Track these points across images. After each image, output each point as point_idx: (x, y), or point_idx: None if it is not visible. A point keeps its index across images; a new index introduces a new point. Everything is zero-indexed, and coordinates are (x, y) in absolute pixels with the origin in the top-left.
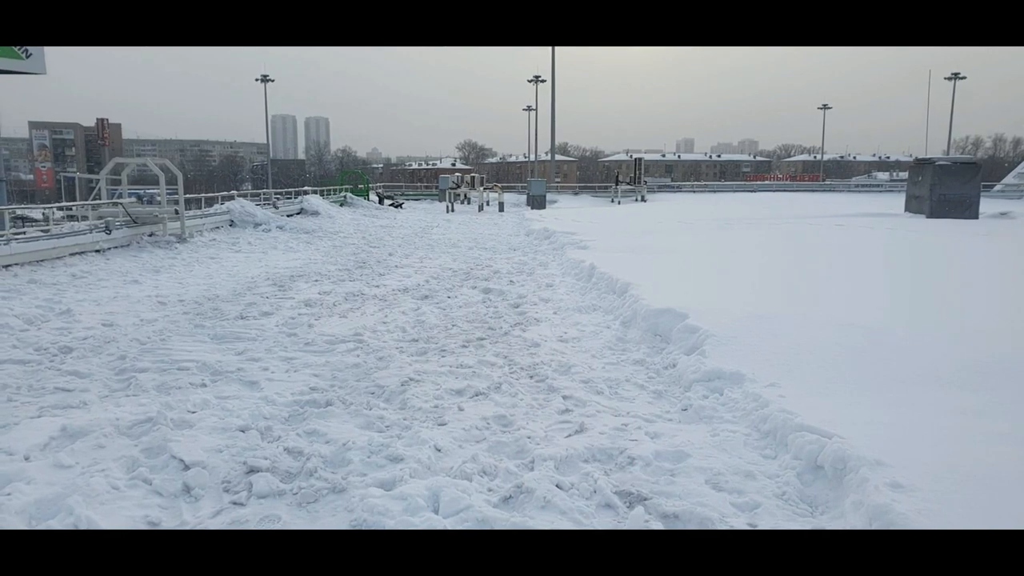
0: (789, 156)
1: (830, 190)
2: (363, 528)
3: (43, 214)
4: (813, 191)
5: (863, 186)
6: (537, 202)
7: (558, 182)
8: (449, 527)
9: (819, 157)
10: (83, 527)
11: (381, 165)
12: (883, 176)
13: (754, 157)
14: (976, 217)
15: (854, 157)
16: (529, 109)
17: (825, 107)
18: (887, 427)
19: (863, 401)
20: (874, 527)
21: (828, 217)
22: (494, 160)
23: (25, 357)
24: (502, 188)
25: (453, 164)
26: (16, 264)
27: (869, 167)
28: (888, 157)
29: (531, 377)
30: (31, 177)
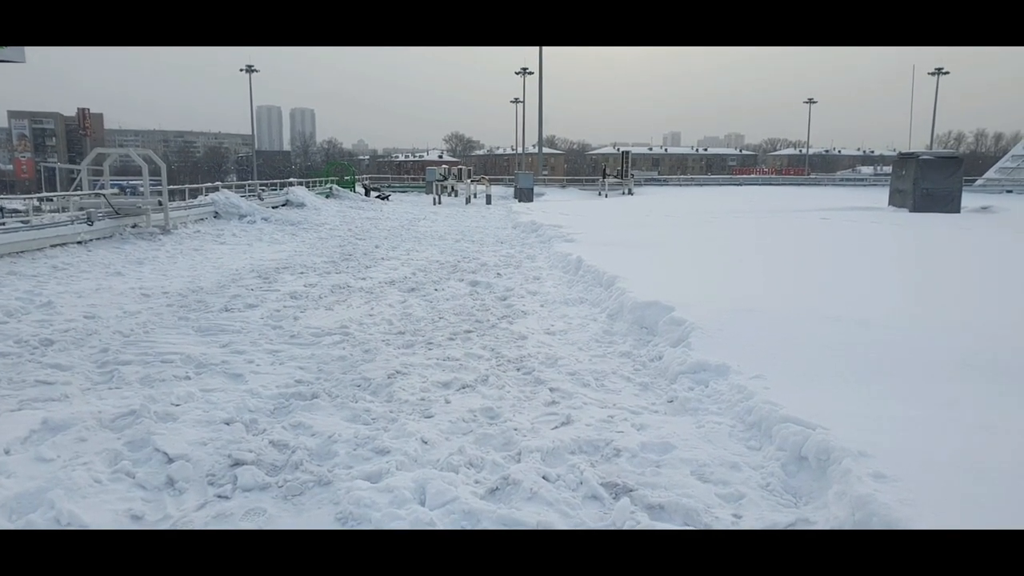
0: (775, 150)
1: (815, 184)
2: (355, 528)
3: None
4: (798, 185)
5: (848, 180)
6: (525, 195)
7: (545, 175)
8: (436, 519)
9: (804, 151)
10: (65, 521)
11: (367, 157)
12: (867, 170)
13: (740, 151)
14: (958, 211)
15: (839, 151)
16: (517, 101)
17: (811, 101)
18: (871, 418)
19: (847, 393)
20: (856, 516)
21: (813, 211)
22: (481, 152)
23: (5, 350)
24: (489, 181)
25: (440, 156)
26: None
27: (854, 161)
28: (872, 152)
29: (518, 370)
30: (10, 167)
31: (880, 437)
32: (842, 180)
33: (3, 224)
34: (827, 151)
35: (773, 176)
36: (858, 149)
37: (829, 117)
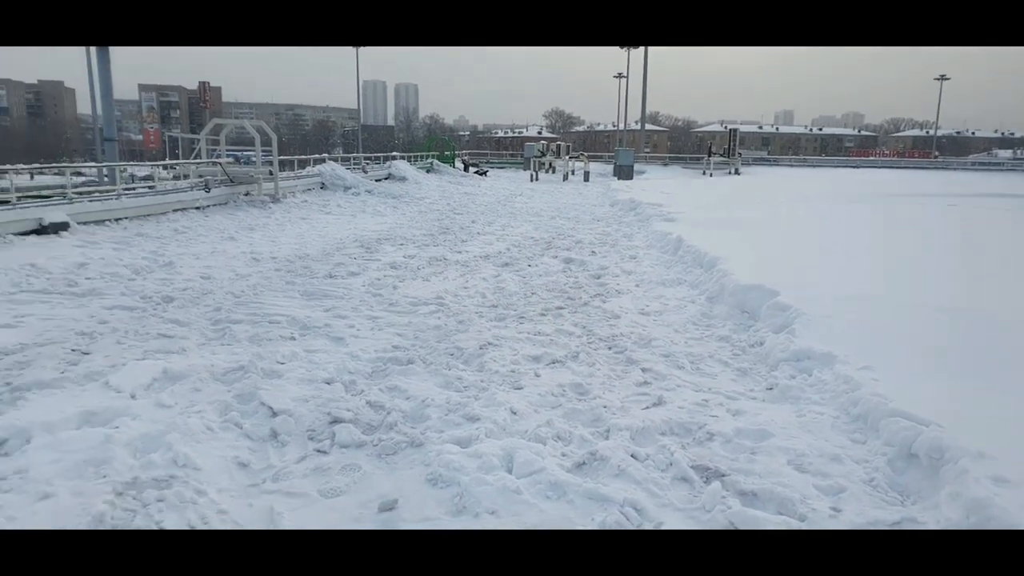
0: (898, 131)
1: (943, 168)
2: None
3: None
4: (923, 168)
5: (982, 164)
6: (624, 172)
7: (647, 152)
8: (523, 488)
9: (932, 132)
10: (181, 463)
11: (467, 132)
12: (1006, 154)
13: (859, 131)
14: None
15: (972, 133)
16: (620, 76)
17: (942, 78)
18: (991, 418)
19: (965, 389)
20: (971, 520)
21: (939, 196)
22: (581, 128)
23: (132, 304)
24: (588, 157)
25: (539, 132)
26: (126, 218)
27: (990, 144)
28: (1012, 133)
29: (609, 348)
30: (140, 137)
31: (1001, 439)
32: (975, 164)
33: (134, 189)
34: (958, 132)
35: (895, 159)
36: (995, 130)
37: (962, 95)
